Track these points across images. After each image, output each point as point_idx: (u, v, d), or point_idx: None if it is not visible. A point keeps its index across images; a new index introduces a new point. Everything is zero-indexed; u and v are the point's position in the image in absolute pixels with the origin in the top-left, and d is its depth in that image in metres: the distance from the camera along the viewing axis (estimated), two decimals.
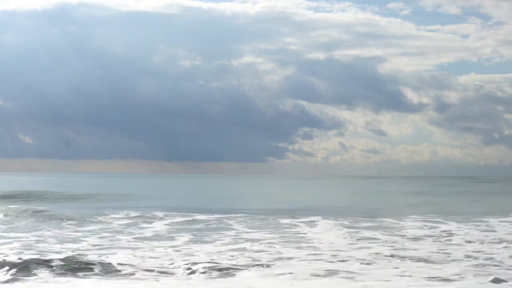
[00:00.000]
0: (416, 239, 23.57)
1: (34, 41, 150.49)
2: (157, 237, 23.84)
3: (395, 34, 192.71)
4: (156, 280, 14.84)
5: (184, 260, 17.10)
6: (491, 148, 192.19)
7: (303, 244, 21.55)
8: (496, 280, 15.15)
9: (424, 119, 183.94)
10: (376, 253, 19.33)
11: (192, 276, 15.41)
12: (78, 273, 15.45)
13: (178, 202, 49.26)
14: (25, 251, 18.71)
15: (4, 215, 32.51)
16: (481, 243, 22.23)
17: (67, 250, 19.02)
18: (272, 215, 34.13)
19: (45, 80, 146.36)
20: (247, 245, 21.18)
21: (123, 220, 30.86)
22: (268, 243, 21.80)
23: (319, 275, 15.52)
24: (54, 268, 15.96)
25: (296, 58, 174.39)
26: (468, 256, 18.94)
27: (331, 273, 15.78)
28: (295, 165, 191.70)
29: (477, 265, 17.35)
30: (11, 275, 14.95)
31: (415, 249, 20.49)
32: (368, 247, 20.88)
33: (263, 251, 19.69)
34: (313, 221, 30.57)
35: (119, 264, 16.53)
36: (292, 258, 18.19)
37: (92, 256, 17.65)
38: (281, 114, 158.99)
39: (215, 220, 30.85)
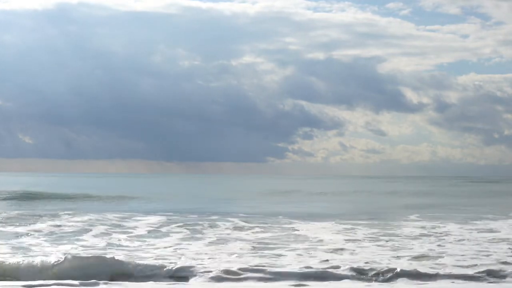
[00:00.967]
0: (413, 239, 23.48)
1: (34, 41, 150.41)
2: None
3: (395, 34, 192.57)
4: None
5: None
6: (491, 148, 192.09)
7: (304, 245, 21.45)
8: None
9: (424, 119, 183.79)
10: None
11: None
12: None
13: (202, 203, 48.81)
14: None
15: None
16: (483, 244, 22.14)
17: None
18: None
19: (44, 80, 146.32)
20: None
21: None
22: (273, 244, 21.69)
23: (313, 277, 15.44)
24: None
25: (295, 58, 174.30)
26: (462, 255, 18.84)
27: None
28: (295, 165, 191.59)
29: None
30: None
31: (411, 249, 20.41)
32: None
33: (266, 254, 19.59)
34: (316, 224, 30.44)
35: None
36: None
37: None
38: (281, 114, 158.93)
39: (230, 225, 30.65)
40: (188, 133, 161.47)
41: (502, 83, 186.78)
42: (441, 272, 16.00)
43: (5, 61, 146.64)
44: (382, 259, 18.24)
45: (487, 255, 19.02)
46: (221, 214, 34.16)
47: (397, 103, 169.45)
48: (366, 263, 17.25)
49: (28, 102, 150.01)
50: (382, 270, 15.94)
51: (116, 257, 16.25)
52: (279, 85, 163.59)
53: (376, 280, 15.41)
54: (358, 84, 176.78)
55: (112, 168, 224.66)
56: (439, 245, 21.50)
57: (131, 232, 24.84)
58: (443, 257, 18.70)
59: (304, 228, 27.25)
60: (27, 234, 23.55)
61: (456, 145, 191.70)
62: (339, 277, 15.46)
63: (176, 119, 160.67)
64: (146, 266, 15.76)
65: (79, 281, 14.21)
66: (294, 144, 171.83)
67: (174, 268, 15.67)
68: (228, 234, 24.78)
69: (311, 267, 16.20)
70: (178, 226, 27.02)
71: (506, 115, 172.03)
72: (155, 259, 17.55)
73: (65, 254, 16.34)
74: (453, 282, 15.09)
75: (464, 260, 18.07)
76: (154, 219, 30.04)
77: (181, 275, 15.44)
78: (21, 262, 15.33)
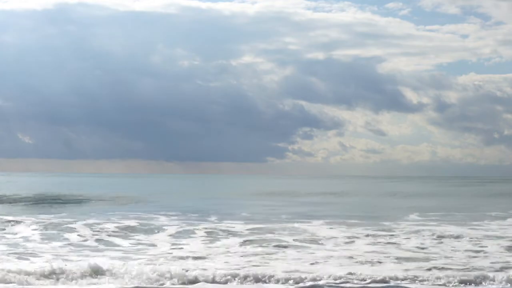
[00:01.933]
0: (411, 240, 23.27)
1: (33, 41, 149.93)
2: None
3: (394, 34, 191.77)
4: None
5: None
6: (491, 148, 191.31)
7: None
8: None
9: (423, 119, 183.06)
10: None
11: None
12: None
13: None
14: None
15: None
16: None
17: None
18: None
19: (44, 80, 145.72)
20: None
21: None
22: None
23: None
24: None
25: (295, 58, 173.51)
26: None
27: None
28: (295, 165, 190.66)
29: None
30: None
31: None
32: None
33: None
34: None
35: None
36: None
37: None
38: (281, 114, 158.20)
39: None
40: (188, 133, 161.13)
41: (501, 83, 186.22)
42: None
43: (4, 61, 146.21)
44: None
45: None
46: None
47: (397, 103, 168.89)
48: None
49: (28, 102, 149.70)
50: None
51: None
52: (278, 85, 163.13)
53: None
54: (358, 84, 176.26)
55: (112, 168, 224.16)
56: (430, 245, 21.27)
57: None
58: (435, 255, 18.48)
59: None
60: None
61: (456, 145, 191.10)
62: None
63: (176, 119, 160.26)
64: None
65: None
66: (294, 144, 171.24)
67: None
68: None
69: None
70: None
71: (506, 115, 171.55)
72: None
73: None
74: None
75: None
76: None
77: None
78: None
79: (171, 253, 19.13)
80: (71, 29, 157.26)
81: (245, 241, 22.09)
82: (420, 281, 14.98)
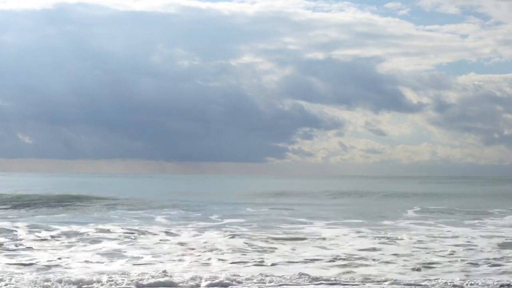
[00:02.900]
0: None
1: (33, 41, 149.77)
2: None
3: (394, 34, 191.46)
4: None
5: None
6: (491, 148, 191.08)
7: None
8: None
9: (423, 119, 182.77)
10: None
11: None
12: None
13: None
14: None
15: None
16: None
17: None
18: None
19: (44, 80, 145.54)
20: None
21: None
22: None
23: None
24: None
25: (295, 58, 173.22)
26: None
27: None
28: (295, 165, 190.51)
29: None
30: None
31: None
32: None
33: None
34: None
35: None
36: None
37: None
38: (281, 114, 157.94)
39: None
40: (188, 133, 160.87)
41: (501, 83, 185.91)
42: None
43: (4, 61, 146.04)
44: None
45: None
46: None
47: (397, 103, 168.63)
48: None
49: (27, 102, 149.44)
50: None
51: None
52: (278, 85, 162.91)
53: None
54: (358, 84, 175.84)
55: (112, 168, 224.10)
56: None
57: None
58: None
59: None
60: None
61: (456, 145, 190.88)
62: None
63: (176, 119, 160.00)
64: None
65: None
66: (294, 144, 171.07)
67: None
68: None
69: None
70: None
71: (506, 115, 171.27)
72: None
73: None
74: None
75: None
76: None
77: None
78: None
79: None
80: (71, 29, 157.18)
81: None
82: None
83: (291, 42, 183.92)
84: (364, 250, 19.50)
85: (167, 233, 23.85)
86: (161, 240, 21.94)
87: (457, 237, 23.53)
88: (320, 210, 39.46)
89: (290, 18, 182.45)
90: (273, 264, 16.83)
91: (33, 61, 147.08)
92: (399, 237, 22.93)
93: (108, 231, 24.25)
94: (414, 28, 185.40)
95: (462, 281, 14.55)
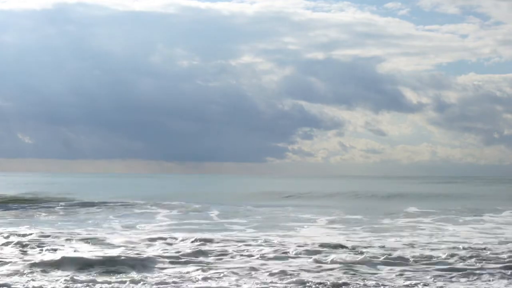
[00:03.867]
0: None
1: (32, 41, 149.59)
2: None
3: (394, 34, 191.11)
4: None
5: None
6: (491, 148, 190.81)
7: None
8: None
9: (423, 119, 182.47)
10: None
11: None
12: None
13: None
14: None
15: None
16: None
17: None
18: None
19: (43, 80, 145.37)
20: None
21: None
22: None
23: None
24: None
25: (294, 58, 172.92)
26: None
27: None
28: (295, 165, 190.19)
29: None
30: None
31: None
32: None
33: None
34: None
35: None
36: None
37: None
38: (280, 114, 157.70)
39: None
40: (188, 133, 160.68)
41: (501, 83, 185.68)
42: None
43: (4, 61, 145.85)
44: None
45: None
46: None
47: (397, 103, 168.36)
48: None
49: (27, 102, 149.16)
50: None
51: None
52: (278, 85, 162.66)
53: None
54: (358, 84, 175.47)
55: (112, 168, 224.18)
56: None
57: None
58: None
59: None
60: None
61: (456, 145, 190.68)
62: None
63: (175, 119, 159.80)
64: None
65: None
66: (294, 144, 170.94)
67: None
68: None
69: None
70: None
71: (506, 115, 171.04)
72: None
73: None
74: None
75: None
76: None
77: None
78: None
79: None
80: (71, 29, 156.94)
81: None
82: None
83: (291, 42, 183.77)
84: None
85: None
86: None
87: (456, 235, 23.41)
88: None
89: (290, 18, 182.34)
90: None
91: (33, 61, 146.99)
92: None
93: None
94: (414, 28, 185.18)
95: None
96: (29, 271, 14.99)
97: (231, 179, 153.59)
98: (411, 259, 17.05)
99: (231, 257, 17.36)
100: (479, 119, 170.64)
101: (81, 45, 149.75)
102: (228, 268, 15.52)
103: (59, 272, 14.95)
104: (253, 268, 15.59)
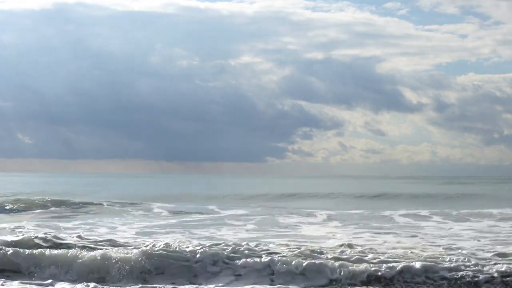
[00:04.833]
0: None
1: (32, 40, 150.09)
2: None
3: (393, 33, 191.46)
4: None
5: None
6: (491, 148, 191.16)
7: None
8: None
9: (423, 119, 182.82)
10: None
11: None
12: None
13: None
14: None
15: None
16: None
17: None
18: None
19: (43, 80, 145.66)
20: None
21: None
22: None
23: None
24: None
25: (294, 57, 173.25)
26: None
27: None
28: (295, 165, 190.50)
29: None
30: None
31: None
32: None
33: None
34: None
35: None
36: None
37: None
38: (280, 114, 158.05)
39: None
40: (187, 133, 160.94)
41: (501, 83, 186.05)
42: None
43: (3, 61, 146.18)
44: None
45: None
46: None
47: (396, 103, 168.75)
48: None
49: (27, 102, 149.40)
50: None
51: None
52: (278, 85, 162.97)
53: None
54: (357, 84, 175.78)
55: (112, 168, 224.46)
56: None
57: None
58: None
59: None
60: None
61: (456, 145, 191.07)
62: None
63: (175, 119, 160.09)
64: None
65: None
66: (294, 144, 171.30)
67: None
68: None
69: None
70: None
71: (506, 115, 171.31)
72: None
73: None
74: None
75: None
76: None
77: None
78: None
79: None
80: (70, 29, 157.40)
81: None
82: None
83: (291, 42, 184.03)
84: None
85: None
86: None
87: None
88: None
89: (289, 18, 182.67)
90: None
91: (33, 61, 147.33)
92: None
93: None
94: (413, 28, 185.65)
95: None
96: None
97: (231, 179, 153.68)
98: (411, 259, 17.07)
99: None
100: (479, 119, 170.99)
101: (80, 45, 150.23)
102: None
103: None
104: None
